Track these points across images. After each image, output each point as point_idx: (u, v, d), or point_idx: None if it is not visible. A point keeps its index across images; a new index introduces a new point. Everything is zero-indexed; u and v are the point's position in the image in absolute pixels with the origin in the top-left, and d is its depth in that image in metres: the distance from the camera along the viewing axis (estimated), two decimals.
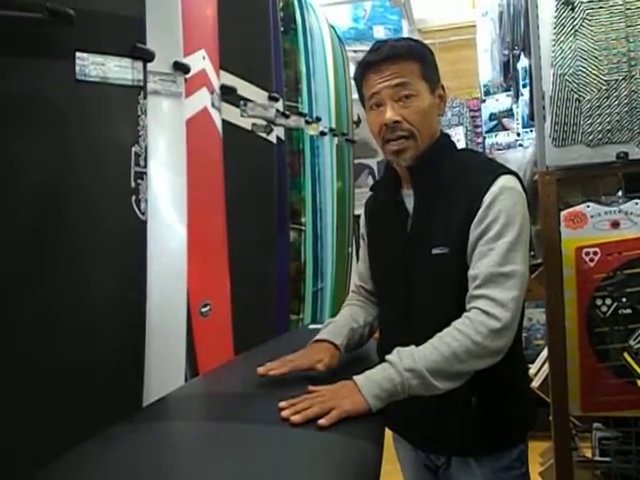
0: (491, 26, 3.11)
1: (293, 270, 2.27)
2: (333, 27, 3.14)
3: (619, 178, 1.52)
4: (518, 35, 2.55)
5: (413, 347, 1.01)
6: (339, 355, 1.13)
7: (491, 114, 3.72)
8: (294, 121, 2.25)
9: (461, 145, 3.84)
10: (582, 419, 1.68)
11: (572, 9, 1.42)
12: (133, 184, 1.12)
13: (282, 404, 0.92)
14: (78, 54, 1.03)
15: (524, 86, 2.85)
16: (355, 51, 3.54)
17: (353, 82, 1.25)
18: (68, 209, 1.01)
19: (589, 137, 1.45)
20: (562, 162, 1.48)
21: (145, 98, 1.16)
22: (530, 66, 1.90)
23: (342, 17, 3.90)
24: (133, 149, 1.12)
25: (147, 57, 1.17)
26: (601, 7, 1.42)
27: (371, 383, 0.96)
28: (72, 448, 0.86)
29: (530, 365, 2.08)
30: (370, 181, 3.62)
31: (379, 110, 1.14)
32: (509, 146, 3.57)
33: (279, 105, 1.99)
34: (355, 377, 0.97)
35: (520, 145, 3.41)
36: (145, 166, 1.15)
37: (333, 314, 1.56)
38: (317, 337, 1.16)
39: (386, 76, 1.12)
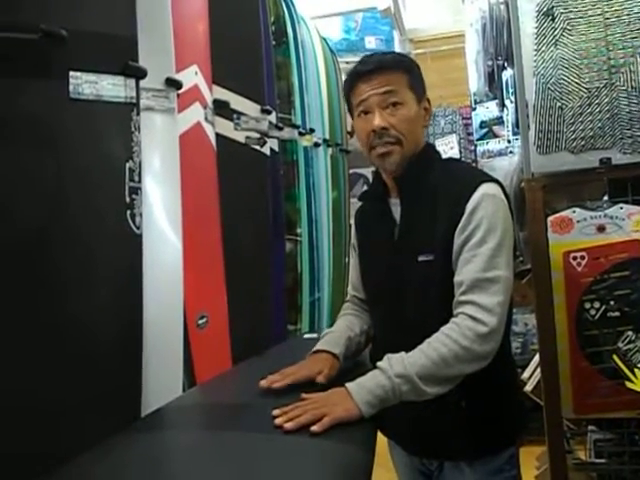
0: (475, 37, 3.15)
1: (290, 281, 2.27)
2: (325, 39, 3.17)
3: (604, 183, 1.55)
4: (501, 46, 2.59)
5: (403, 353, 1.03)
6: (338, 365, 1.14)
7: (482, 122, 3.73)
8: (287, 133, 2.26)
9: (455, 152, 3.86)
10: (576, 422, 1.69)
11: (552, 19, 1.45)
12: (128, 199, 1.13)
13: (275, 412, 0.94)
14: (72, 73, 1.04)
15: (513, 94, 2.88)
16: (347, 62, 3.55)
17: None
18: (63, 225, 1.02)
19: (572, 144, 1.47)
20: (547, 169, 1.50)
21: (138, 114, 1.18)
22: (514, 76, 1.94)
23: (334, 29, 3.93)
24: (127, 165, 1.14)
25: (139, 74, 1.19)
26: (580, 17, 1.45)
27: (362, 390, 0.97)
28: (70, 460, 0.87)
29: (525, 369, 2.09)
30: None
31: (367, 117, 1.17)
32: (500, 153, 3.57)
33: (272, 118, 2.00)
34: (347, 384, 0.99)
35: (511, 152, 3.42)
36: (139, 181, 1.16)
37: (331, 324, 1.57)
38: (316, 348, 1.16)
39: (374, 84, 1.15)
